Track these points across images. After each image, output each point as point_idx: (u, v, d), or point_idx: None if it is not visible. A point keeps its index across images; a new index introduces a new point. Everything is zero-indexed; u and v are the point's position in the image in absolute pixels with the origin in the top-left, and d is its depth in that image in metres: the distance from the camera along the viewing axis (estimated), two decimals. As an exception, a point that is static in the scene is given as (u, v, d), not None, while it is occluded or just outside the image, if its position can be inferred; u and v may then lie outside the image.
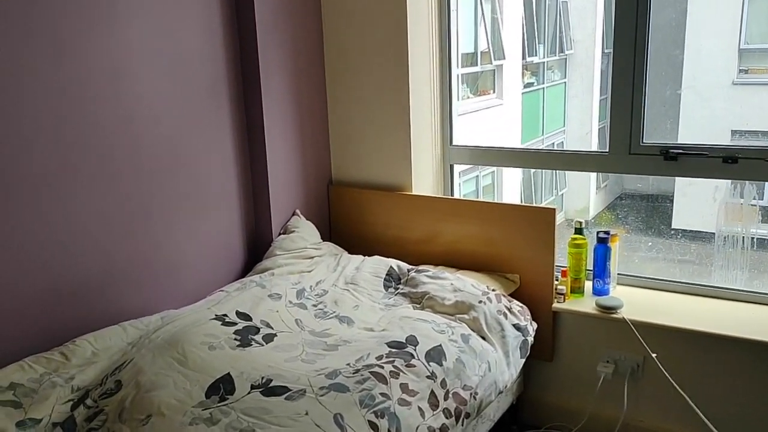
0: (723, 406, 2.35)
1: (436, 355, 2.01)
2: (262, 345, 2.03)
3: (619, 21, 2.48)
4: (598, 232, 2.61)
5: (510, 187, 5.72)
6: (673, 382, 2.35)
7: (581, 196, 5.57)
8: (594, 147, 5.92)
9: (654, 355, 2.36)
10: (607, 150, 2.62)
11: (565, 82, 5.96)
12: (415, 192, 2.87)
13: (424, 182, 2.91)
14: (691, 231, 4.53)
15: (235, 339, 2.02)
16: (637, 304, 2.51)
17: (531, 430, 2.67)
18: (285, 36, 2.70)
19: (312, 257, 2.72)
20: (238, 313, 2.19)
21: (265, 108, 2.63)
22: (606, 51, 5.50)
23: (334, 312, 2.33)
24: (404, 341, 2.05)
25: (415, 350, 2.01)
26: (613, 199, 5.51)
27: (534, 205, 2.47)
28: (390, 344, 2.04)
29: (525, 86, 5.88)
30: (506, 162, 2.99)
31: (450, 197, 2.99)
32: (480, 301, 2.30)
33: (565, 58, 5.91)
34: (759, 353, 2.26)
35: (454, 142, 3.00)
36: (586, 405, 2.57)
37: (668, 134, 3.71)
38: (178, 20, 2.34)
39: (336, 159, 3.04)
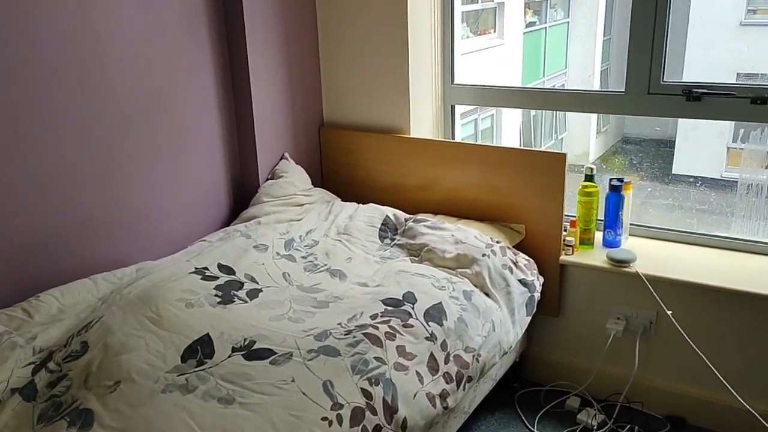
0: (739, 364, 2.21)
1: (435, 313, 1.84)
2: (246, 302, 1.86)
3: (644, -57, 2.22)
4: (610, 180, 2.41)
5: (509, 130, 5.56)
6: (689, 340, 2.20)
7: (581, 141, 5.45)
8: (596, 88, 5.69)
9: (669, 312, 2.20)
10: (624, 90, 2.40)
11: (568, 22, 5.76)
12: (413, 134, 2.65)
13: (422, 124, 2.69)
14: (692, 176, 4.45)
15: (216, 295, 1.84)
16: (650, 257, 2.33)
17: (534, 388, 2.53)
18: (271, -41, 2.43)
19: (302, 204, 2.52)
20: (220, 266, 2.00)
21: (249, 43, 2.38)
22: None
23: (326, 265, 2.15)
24: (401, 298, 1.88)
25: (412, 308, 1.84)
26: (614, 143, 5.39)
27: (542, 149, 2.26)
28: (386, 302, 1.86)
29: (527, 26, 5.70)
30: (513, 102, 2.76)
31: (451, 141, 2.78)
32: (483, 255, 2.11)
33: None
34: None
35: (456, 81, 2.77)
36: (594, 363, 2.42)
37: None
38: (148, -63, 2.07)
39: (328, 98, 2.80)
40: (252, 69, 2.42)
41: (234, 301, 1.84)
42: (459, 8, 2.75)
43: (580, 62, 5.66)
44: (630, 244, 2.45)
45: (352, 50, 2.67)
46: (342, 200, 2.65)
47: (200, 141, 2.37)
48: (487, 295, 2.04)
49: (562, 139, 5.77)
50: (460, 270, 2.10)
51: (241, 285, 1.93)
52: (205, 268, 1.97)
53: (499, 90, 2.70)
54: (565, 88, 5.81)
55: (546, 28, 5.80)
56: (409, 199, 2.66)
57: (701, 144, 4.42)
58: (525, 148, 2.32)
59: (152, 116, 2.16)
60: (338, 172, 2.82)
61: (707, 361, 2.18)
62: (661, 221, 2.65)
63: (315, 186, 2.67)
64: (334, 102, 2.79)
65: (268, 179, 2.57)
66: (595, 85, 5.66)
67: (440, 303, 1.88)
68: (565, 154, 2.30)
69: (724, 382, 2.16)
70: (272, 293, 1.93)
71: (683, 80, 2.32)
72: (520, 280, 2.13)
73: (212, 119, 2.40)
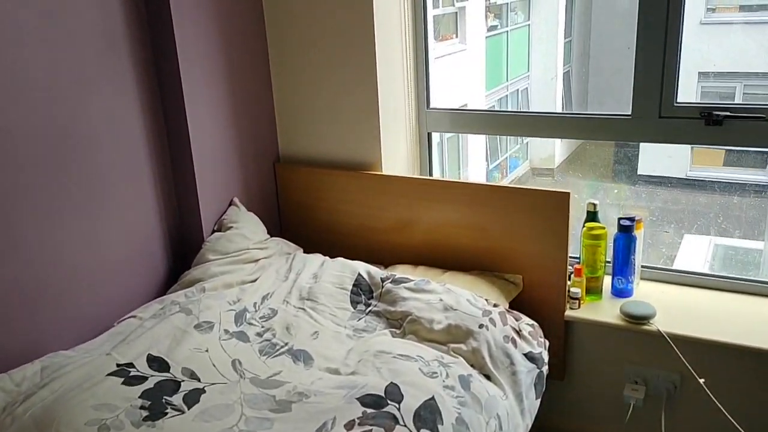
0: (783, 436, 1.87)
1: (428, 415, 1.44)
2: (182, 412, 1.43)
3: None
4: (620, 219, 2.05)
5: (474, 137, 5.36)
6: (723, 410, 1.84)
7: (546, 144, 5.37)
8: (558, 93, 5.63)
9: (702, 380, 1.85)
10: (630, 113, 2.05)
11: (528, 25, 5.70)
12: (385, 170, 2.25)
13: (395, 156, 2.30)
14: (657, 176, 4.48)
15: (143, 407, 1.42)
16: (670, 310, 1.98)
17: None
18: (206, -32, 2.01)
19: (256, 260, 2.10)
20: (151, 360, 1.57)
21: (183, 72, 1.96)
22: None
23: (286, 344, 1.74)
24: (383, 395, 1.47)
25: (398, 409, 1.44)
26: (578, 145, 5.32)
27: (541, 188, 1.90)
28: (364, 401, 1.46)
29: (488, 30, 5.59)
30: (498, 129, 2.40)
31: (429, 178, 2.39)
32: (481, 325, 1.72)
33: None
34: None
35: (432, 105, 2.38)
36: (609, 435, 2.06)
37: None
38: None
39: (283, 130, 2.38)
40: (189, 102, 1.99)
41: (167, 414, 1.41)
42: (432, 21, 2.37)
43: (543, 65, 5.59)
44: (643, 292, 2.10)
45: (310, 74, 2.26)
46: (304, 251, 2.24)
47: (126, 190, 1.93)
48: (487, 377, 1.65)
49: (527, 143, 5.66)
50: (452, 346, 1.70)
51: (177, 386, 1.50)
52: (130, 365, 1.54)
53: (483, 115, 2.33)
54: (528, 92, 5.72)
55: (507, 31, 5.70)
56: (382, 246, 2.26)
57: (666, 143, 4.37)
58: (519, 186, 1.96)
59: (61, 162, 1.72)
60: (298, 217, 2.40)
61: (742, 431, 1.84)
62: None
63: (271, 235, 2.25)
64: (290, 134, 2.38)
65: (214, 231, 2.15)
66: (558, 88, 5.56)
67: (433, 399, 1.48)
68: (568, 193, 1.93)
69: (767, 458, 1.82)
70: (218, 394, 1.51)
71: (701, 101, 1.98)
72: (526, 355, 1.75)
73: (140, 163, 1.97)
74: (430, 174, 2.45)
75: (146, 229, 2.02)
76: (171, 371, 1.55)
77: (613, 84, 5.23)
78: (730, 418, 1.83)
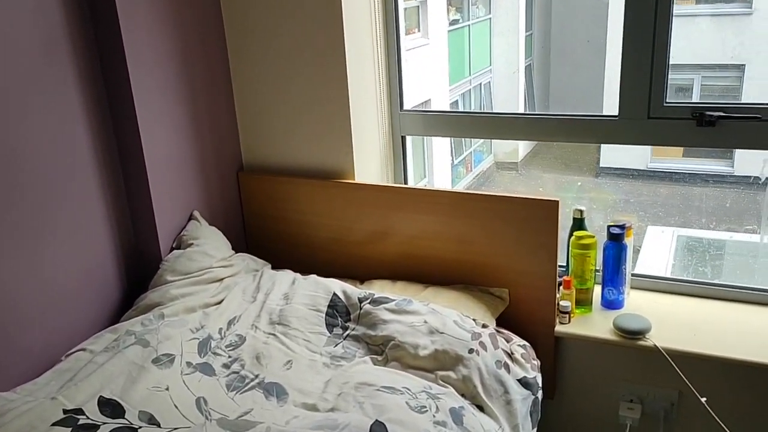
0: (785, 453, 1.78)
1: (420, 457, 1.29)
2: (140, 466, 1.25)
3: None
4: (609, 227, 1.94)
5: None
6: (725, 428, 1.74)
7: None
8: (521, 87, 5.66)
9: (703, 399, 1.74)
10: (617, 114, 1.93)
11: (490, 18, 5.72)
12: (358, 178, 2.10)
13: (368, 163, 2.14)
14: (619, 168, 4.57)
15: (93, 463, 1.23)
16: (665, 322, 1.87)
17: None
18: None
19: (221, 279, 1.92)
20: (103, 403, 1.39)
21: (133, 78, 1.77)
22: None
23: (256, 376, 1.57)
24: (368, 435, 1.32)
25: (386, 453, 1.28)
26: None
27: (527, 196, 1.77)
28: (347, 443, 1.30)
29: (450, 23, 5.58)
30: (477, 132, 2.27)
31: (406, 186, 2.24)
32: (471, 350, 1.58)
33: None
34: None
35: (405, 106, 2.24)
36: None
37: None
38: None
39: (247, 137, 2.20)
40: (141, 111, 1.80)
41: (122, 469, 1.23)
42: (403, 16, 2.22)
43: (505, 58, 5.58)
44: (635, 303, 1.99)
45: (274, 76, 2.09)
46: (272, 267, 2.07)
47: (72, 210, 1.73)
48: (480, 408, 1.51)
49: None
50: (440, 373, 1.56)
51: (133, 434, 1.32)
52: (79, 412, 1.35)
53: (461, 117, 2.19)
54: (491, 86, 5.73)
55: (469, 25, 5.68)
56: (357, 259, 2.11)
57: (656, 146, 4.38)
58: (502, 193, 1.83)
59: (-4, 184, 1.52)
60: (265, 230, 2.23)
61: (749, 453, 1.74)
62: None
63: (236, 251, 2.07)
64: (254, 141, 2.20)
65: (173, 249, 1.96)
66: (521, 81, 5.59)
67: (423, 438, 1.33)
68: (557, 201, 1.80)
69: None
70: (181, 441, 1.33)
71: (692, 101, 1.88)
72: (520, 380, 1.61)
73: (88, 180, 1.77)
74: (406, 181, 2.30)
75: (97, 251, 1.82)
76: (126, 416, 1.37)
77: (575, 77, 5.23)
78: (733, 436, 1.73)
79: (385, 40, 2.15)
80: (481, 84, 5.71)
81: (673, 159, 4.47)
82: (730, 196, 4.21)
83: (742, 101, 1.88)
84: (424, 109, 2.21)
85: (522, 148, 5.48)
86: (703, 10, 4.10)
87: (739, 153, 4.04)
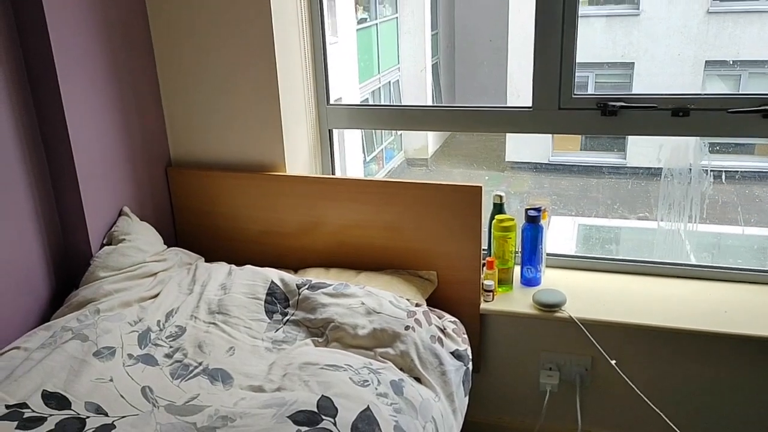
0: (686, 405, 1.99)
1: (366, 427, 1.37)
2: (93, 454, 1.27)
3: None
4: (527, 210, 2.09)
5: (350, 131, 5.43)
6: (634, 387, 1.93)
7: (419, 134, 5.45)
8: (428, 84, 5.80)
9: (613, 362, 1.92)
10: (531, 105, 2.09)
11: (396, 18, 5.79)
12: (288, 170, 2.15)
13: (297, 156, 2.20)
14: (523, 162, 4.73)
15: (44, 454, 1.24)
16: (578, 295, 2.05)
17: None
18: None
19: (154, 274, 1.93)
20: (47, 396, 1.39)
21: (58, 65, 1.75)
22: None
23: (200, 363, 1.60)
24: (316, 409, 1.39)
25: (334, 424, 1.36)
26: (449, 136, 5.48)
27: (452, 183, 1.89)
28: (296, 418, 1.36)
29: (358, 22, 5.59)
30: (397, 123, 2.37)
31: (335, 176, 2.32)
32: (407, 327, 1.68)
33: None
34: (720, 346, 1.91)
35: (331, 101, 2.31)
36: (528, 423, 2.10)
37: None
38: None
39: (174, 131, 2.21)
40: (68, 105, 1.78)
41: (74, 458, 1.24)
42: (327, 13, 2.29)
43: (412, 57, 5.65)
44: (551, 279, 2.15)
45: (200, 71, 2.10)
46: (205, 260, 2.09)
47: (-2, 206, 1.69)
48: (418, 380, 1.61)
49: (401, 135, 5.70)
50: (379, 350, 1.64)
51: (82, 424, 1.33)
52: (23, 405, 1.35)
53: (383, 110, 2.29)
54: (399, 84, 5.85)
55: (377, 24, 5.74)
56: (289, 250, 2.16)
57: (566, 134, 4.63)
58: (429, 181, 1.93)
59: None
60: (195, 224, 2.24)
61: (652, 405, 1.93)
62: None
63: (169, 245, 2.08)
64: (182, 136, 2.20)
65: (103, 245, 1.94)
66: (428, 80, 5.72)
67: (368, 409, 1.41)
68: (480, 187, 1.93)
69: (671, 424, 1.92)
70: (130, 428, 1.35)
71: (597, 92, 2.06)
72: (452, 353, 1.72)
73: (11, 174, 1.73)
74: (333, 172, 2.37)
75: (22, 249, 1.79)
76: (73, 407, 1.37)
77: (478, 75, 5.44)
78: (641, 394, 1.92)
79: (311, 37, 2.21)
80: (390, 82, 5.77)
81: (572, 153, 4.73)
82: (624, 187, 4.50)
83: (642, 93, 2.05)
84: (349, 104, 2.28)
85: (431, 144, 5.61)
86: (597, 11, 4.36)
87: (630, 146, 4.34)
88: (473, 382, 2.09)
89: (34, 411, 1.34)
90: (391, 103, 5.61)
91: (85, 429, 1.32)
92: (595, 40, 4.12)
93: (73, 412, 1.36)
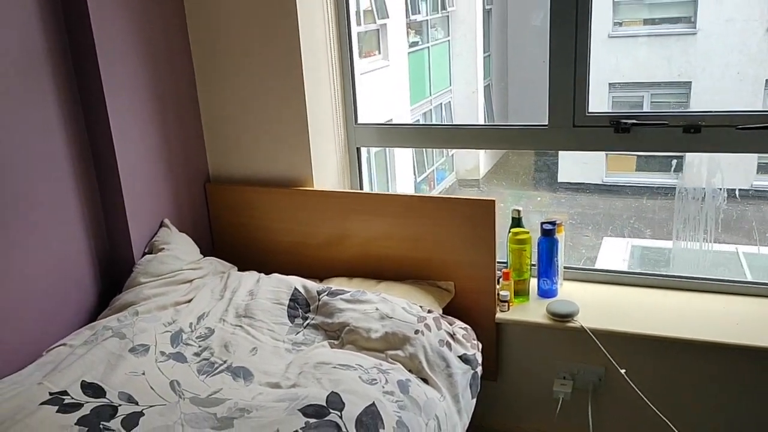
0: (696, 416, 2.01)
1: (370, 420, 1.48)
2: (122, 436, 1.41)
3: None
4: (542, 224, 2.17)
5: (400, 150, 5.50)
6: (645, 398, 1.97)
7: (471, 155, 5.53)
8: (480, 106, 5.85)
9: (623, 371, 1.97)
10: (547, 123, 2.17)
11: (448, 41, 5.81)
12: (316, 185, 2.29)
13: (326, 172, 2.34)
14: (576, 183, 4.69)
15: (80, 434, 1.39)
16: (592, 307, 2.11)
17: (478, 464, 2.23)
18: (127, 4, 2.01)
19: (190, 281, 2.09)
20: (85, 386, 1.55)
21: (107, 89, 1.94)
22: (487, 7, 5.55)
23: (225, 361, 1.74)
24: (325, 404, 1.51)
25: (341, 417, 1.47)
26: (501, 156, 5.53)
27: (467, 197, 1.99)
28: (306, 411, 1.48)
29: (410, 46, 5.72)
30: (423, 142, 2.48)
31: (360, 191, 2.45)
32: (416, 331, 1.78)
33: (447, 16, 5.74)
34: (730, 357, 1.93)
35: (360, 120, 2.45)
36: (544, 430, 2.15)
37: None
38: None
39: (213, 150, 2.39)
40: (114, 122, 1.97)
41: (105, 439, 1.40)
42: (356, 38, 2.44)
43: (464, 79, 5.72)
44: (567, 292, 2.22)
45: (237, 95, 2.28)
46: (238, 269, 2.24)
47: (48, 216, 1.88)
48: (425, 381, 1.71)
49: (452, 155, 5.78)
50: (390, 353, 1.75)
51: (114, 411, 1.48)
52: (64, 393, 1.51)
53: (408, 129, 2.41)
54: (451, 106, 5.91)
55: (428, 47, 5.81)
56: (316, 260, 2.29)
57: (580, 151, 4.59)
58: (446, 196, 2.04)
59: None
60: (231, 236, 2.40)
61: (666, 420, 1.96)
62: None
63: (204, 255, 2.25)
64: (220, 154, 2.38)
65: (145, 254, 2.12)
66: (480, 102, 5.75)
67: (373, 405, 1.52)
68: (493, 201, 2.03)
69: (685, 439, 1.95)
70: (157, 416, 1.50)
71: (611, 110, 2.13)
72: (460, 357, 1.82)
73: (64, 188, 1.93)
74: (361, 188, 2.50)
75: (73, 256, 1.98)
76: (107, 396, 1.53)
77: (531, 96, 5.46)
78: (650, 404, 1.96)
79: (340, 62, 2.36)
80: (441, 104, 5.86)
81: (625, 173, 4.69)
82: (678, 207, 4.39)
83: (653, 111, 2.11)
84: (374, 123, 2.42)
85: (483, 165, 5.66)
86: (650, 30, 4.32)
87: (686, 167, 4.26)
88: (491, 389, 2.18)
89: (73, 398, 1.50)
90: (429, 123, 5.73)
91: (117, 415, 1.47)
92: (649, 59, 4.15)
93: (107, 400, 1.52)
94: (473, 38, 5.59)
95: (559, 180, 4.72)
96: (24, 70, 1.78)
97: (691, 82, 4.00)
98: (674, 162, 4.06)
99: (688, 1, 3.97)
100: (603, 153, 4.18)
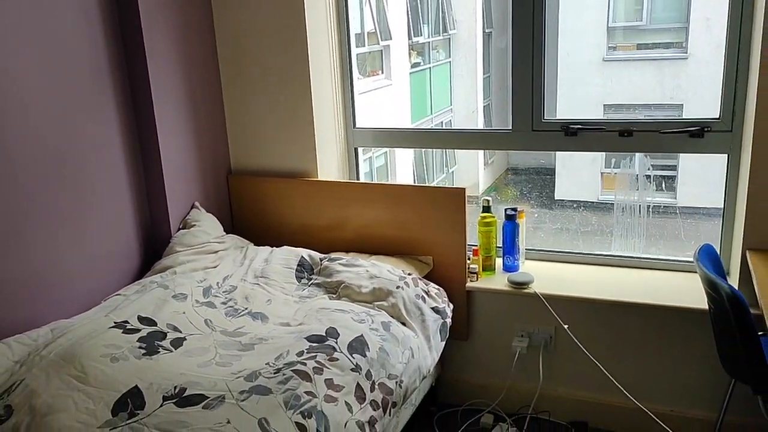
0: (632, 369, 2.45)
1: (358, 345, 1.94)
2: (171, 351, 1.88)
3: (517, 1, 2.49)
4: (506, 210, 2.63)
5: (403, 166, 5.80)
6: (585, 350, 2.42)
7: (471, 173, 5.74)
8: (480, 124, 6.09)
9: (566, 326, 2.43)
10: (510, 128, 2.64)
11: (449, 62, 6.06)
12: (321, 178, 2.77)
13: (329, 167, 2.82)
14: (572, 201, 4.77)
15: (140, 347, 1.85)
16: (546, 278, 2.56)
17: (450, 409, 2.68)
18: (171, 20, 2.50)
19: (216, 251, 2.56)
20: (141, 318, 2.01)
21: (154, 95, 2.43)
22: (486, 31, 5.69)
23: (246, 308, 2.21)
24: (324, 334, 1.97)
25: (336, 343, 1.93)
26: (500, 174, 5.73)
27: (442, 186, 2.44)
28: (309, 338, 1.95)
29: (412, 66, 5.94)
30: (411, 143, 2.96)
31: (357, 181, 2.92)
32: (398, 287, 2.25)
33: (449, 38, 5.99)
34: (659, 317, 2.38)
35: (357, 125, 2.93)
36: (504, 380, 2.60)
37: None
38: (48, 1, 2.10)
39: (234, 147, 2.87)
40: (159, 122, 2.46)
41: (159, 352, 1.86)
42: (355, 58, 2.93)
43: (464, 99, 5.98)
44: (527, 267, 2.67)
45: (255, 99, 2.77)
46: (255, 245, 2.71)
47: (107, 194, 2.36)
48: (404, 324, 2.17)
49: (453, 172, 6.06)
50: (377, 303, 2.21)
51: (164, 335, 1.95)
52: (126, 322, 1.98)
53: (398, 132, 2.88)
54: (452, 124, 6.16)
55: (430, 68, 6.06)
56: (321, 240, 2.76)
57: (578, 171, 4.82)
58: (426, 185, 2.51)
59: (55, 172, 2.14)
60: (249, 218, 2.88)
61: (602, 368, 2.41)
62: (552, 244, 2.93)
63: (227, 233, 2.72)
64: (241, 150, 2.86)
65: (180, 229, 2.59)
66: (480, 120, 5.98)
67: (362, 335, 1.98)
68: (464, 189, 2.49)
69: (618, 386, 2.39)
70: (196, 341, 1.96)
71: (560, 118, 2.60)
72: (432, 308, 2.28)
73: (119, 172, 2.41)
74: (358, 180, 2.98)
75: (125, 229, 2.45)
76: (158, 326, 1.99)
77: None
78: (591, 356, 2.41)
79: (341, 77, 2.85)
80: (442, 122, 6.02)
81: (621, 191, 4.92)
82: (673, 225, 4.31)
83: (592, 118, 2.57)
84: (369, 126, 2.89)
85: (482, 183, 5.79)
86: (643, 54, 4.41)
87: (680, 186, 4.32)
88: (462, 347, 2.63)
89: (132, 326, 1.97)
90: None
91: (166, 338, 1.94)
92: (644, 82, 4.31)
93: (158, 328, 1.98)
94: (473, 60, 5.83)
95: (556, 197, 4.84)
96: (92, 80, 2.27)
97: (682, 105, 4.17)
98: (668, 183, 4.23)
99: (680, 28, 4.18)
100: (598, 172, 4.48)
